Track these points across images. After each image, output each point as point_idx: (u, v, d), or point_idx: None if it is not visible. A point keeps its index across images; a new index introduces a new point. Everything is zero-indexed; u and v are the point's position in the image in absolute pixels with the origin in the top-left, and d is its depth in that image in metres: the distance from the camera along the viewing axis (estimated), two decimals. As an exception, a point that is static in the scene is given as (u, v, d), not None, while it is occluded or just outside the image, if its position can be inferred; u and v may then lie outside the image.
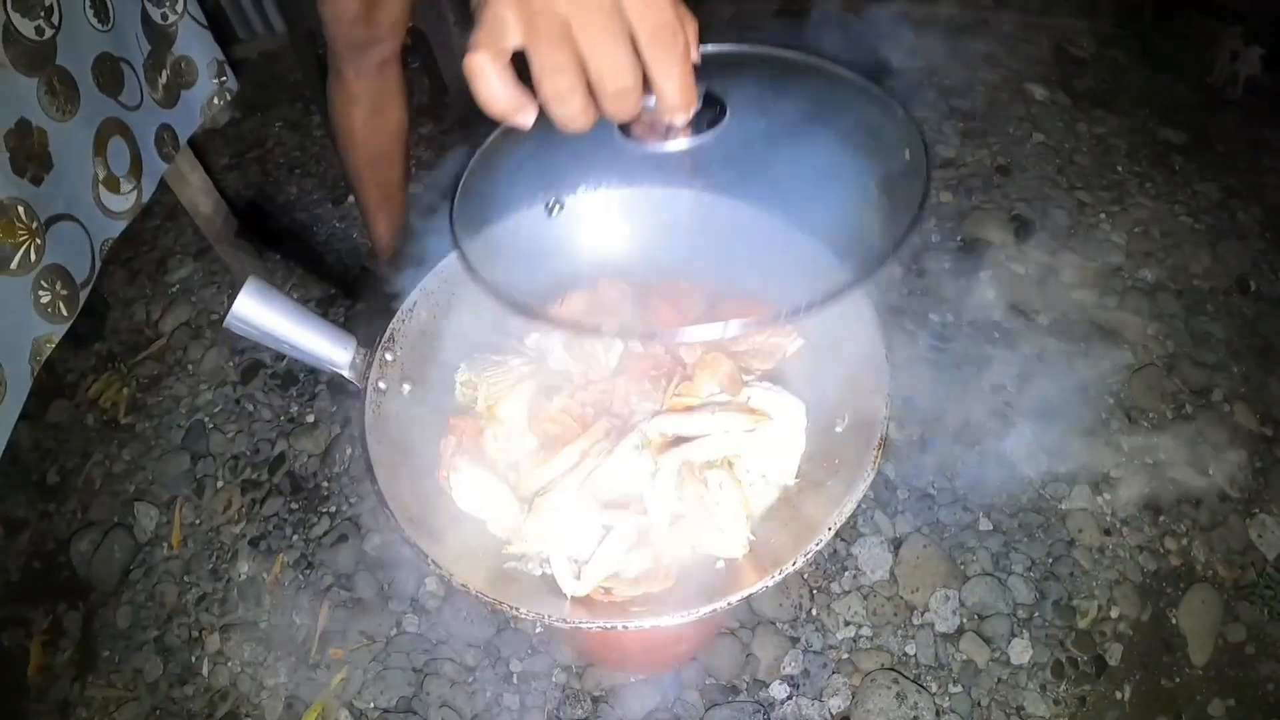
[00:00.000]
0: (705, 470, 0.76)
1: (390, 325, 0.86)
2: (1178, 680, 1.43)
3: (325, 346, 0.78)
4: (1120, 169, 2.18)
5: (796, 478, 0.80)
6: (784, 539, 0.74)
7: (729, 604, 0.64)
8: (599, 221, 0.93)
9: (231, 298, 0.72)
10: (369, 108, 1.52)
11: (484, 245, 0.91)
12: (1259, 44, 2.26)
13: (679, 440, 0.76)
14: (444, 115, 2.43)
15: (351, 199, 2.21)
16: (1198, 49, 2.42)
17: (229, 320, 0.72)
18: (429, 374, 0.88)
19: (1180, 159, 2.22)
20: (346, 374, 0.80)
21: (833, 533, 0.67)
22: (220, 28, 1.70)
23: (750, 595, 0.64)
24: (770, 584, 0.64)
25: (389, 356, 0.85)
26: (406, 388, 0.85)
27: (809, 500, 0.77)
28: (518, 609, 0.64)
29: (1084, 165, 2.19)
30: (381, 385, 0.82)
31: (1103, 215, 2.07)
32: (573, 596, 0.70)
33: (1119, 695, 1.42)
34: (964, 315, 1.86)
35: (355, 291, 2.01)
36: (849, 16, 2.37)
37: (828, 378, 0.84)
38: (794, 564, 0.66)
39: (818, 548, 0.67)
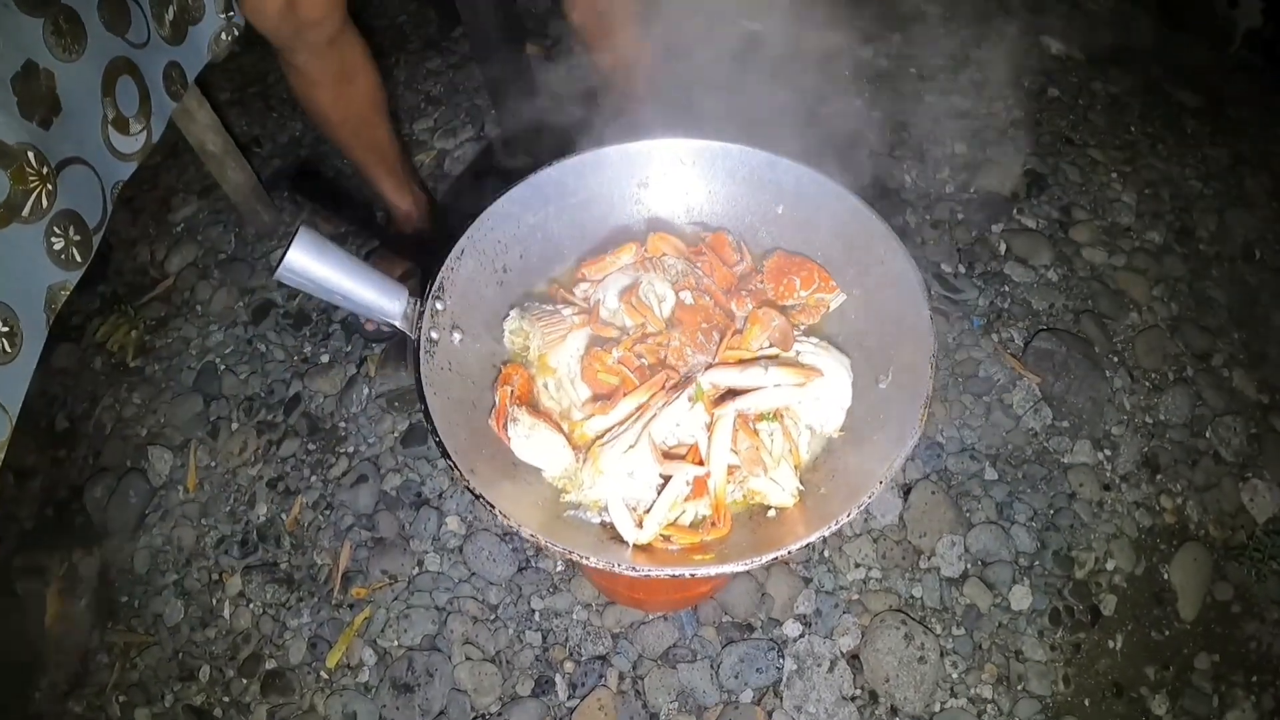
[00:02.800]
0: (757, 422, 0.78)
1: (439, 274, 0.86)
2: (1167, 633, 1.50)
3: (377, 297, 0.79)
4: (1133, 129, 2.18)
5: (841, 430, 0.82)
6: (831, 488, 0.76)
7: (789, 552, 0.66)
8: (654, 174, 0.93)
9: (282, 248, 0.71)
10: (332, 85, 1.44)
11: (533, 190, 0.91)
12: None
13: (731, 393, 0.78)
14: (453, 48, 2.37)
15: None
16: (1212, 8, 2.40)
17: (280, 272, 0.72)
18: (477, 322, 0.89)
19: (1193, 122, 2.22)
20: (398, 324, 0.81)
21: (883, 486, 0.70)
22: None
23: (809, 544, 0.67)
24: (827, 533, 0.67)
25: (439, 305, 0.85)
26: (457, 336, 0.86)
27: (853, 452, 0.80)
28: (588, 558, 0.66)
29: (1097, 123, 2.19)
30: (434, 335, 0.83)
31: (1114, 174, 2.08)
32: (635, 544, 0.73)
33: (1111, 644, 1.49)
34: (975, 268, 1.88)
35: (370, 227, 1.98)
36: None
37: (870, 335, 0.86)
38: (848, 515, 0.69)
39: (870, 500, 0.69)
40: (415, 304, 0.82)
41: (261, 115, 2.28)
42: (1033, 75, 2.28)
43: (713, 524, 0.74)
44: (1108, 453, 1.66)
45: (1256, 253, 1.96)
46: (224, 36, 1.66)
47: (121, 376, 1.86)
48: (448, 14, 2.40)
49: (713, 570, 0.66)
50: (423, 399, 0.76)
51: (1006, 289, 1.86)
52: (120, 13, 1.36)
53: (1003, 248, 1.92)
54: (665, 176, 0.94)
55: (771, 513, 0.77)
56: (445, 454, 0.72)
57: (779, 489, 0.75)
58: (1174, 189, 2.05)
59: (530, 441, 0.78)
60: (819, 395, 0.79)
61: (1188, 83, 2.29)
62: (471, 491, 0.70)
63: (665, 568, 0.67)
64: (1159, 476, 1.64)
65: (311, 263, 0.72)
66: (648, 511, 0.74)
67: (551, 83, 1.90)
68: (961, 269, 1.89)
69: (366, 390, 1.76)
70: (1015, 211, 1.99)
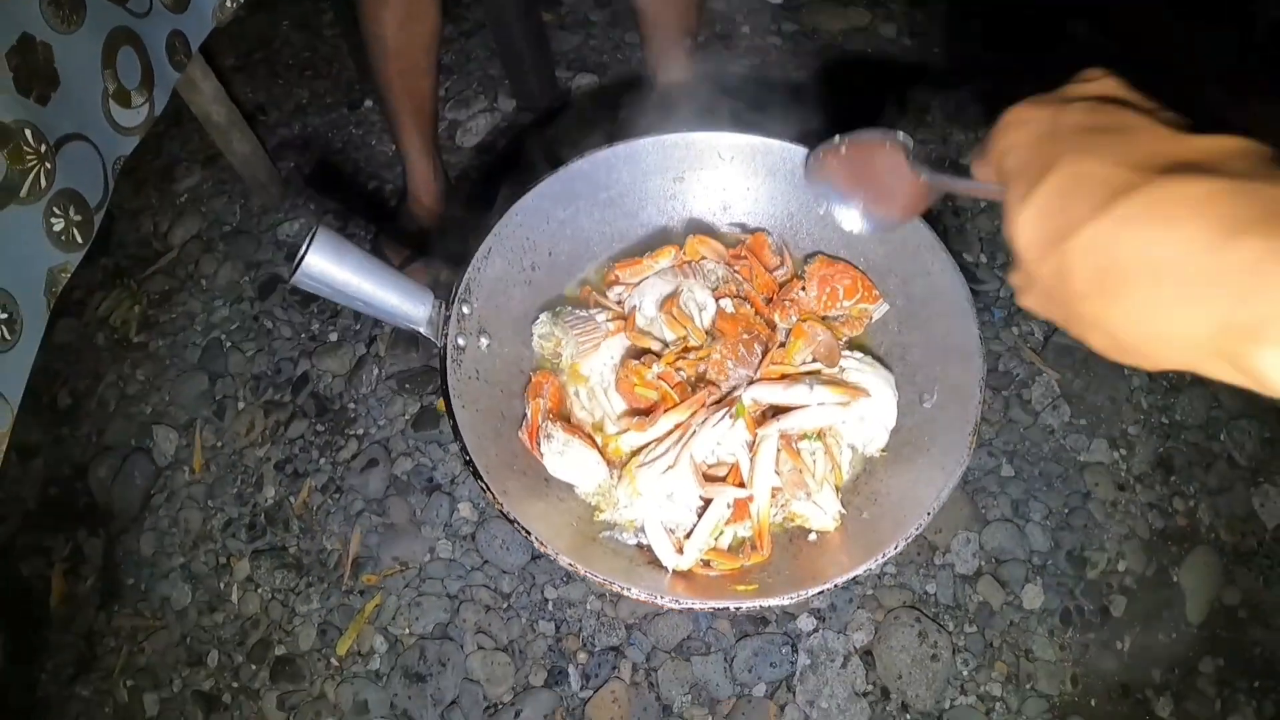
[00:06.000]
0: (799, 441, 0.75)
1: (465, 275, 0.82)
2: (1174, 636, 1.50)
3: (401, 302, 0.74)
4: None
5: (884, 450, 0.80)
6: (875, 513, 0.74)
7: (836, 585, 0.64)
8: (690, 170, 0.89)
9: (298, 250, 0.66)
10: (402, 13, 1.44)
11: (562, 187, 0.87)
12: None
13: (774, 411, 0.75)
14: (465, 15, 2.29)
15: (369, 103, 2.10)
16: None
17: (297, 277, 0.67)
18: (505, 325, 0.86)
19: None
20: (424, 331, 0.77)
21: (930, 518, 0.68)
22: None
23: (857, 576, 0.65)
24: (874, 567, 0.65)
25: (465, 310, 0.81)
26: (484, 341, 0.83)
27: (896, 474, 0.77)
28: (628, 589, 0.64)
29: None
30: (460, 342, 0.79)
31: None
32: (674, 570, 0.71)
33: (1119, 645, 1.48)
34: (996, 258, 1.85)
35: (377, 205, 1.93)
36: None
37: (914, 349, 0.83)
38: (895, 547, 0.67)
39: (917, 531, 0.67)
40: (441, 308, 0.79)
41: (267, 82, 2.20)
42: (1052, 67, 2.22)
43: (753, 548, 0.72)
44: (1123, 452, 1.64)
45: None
46: (229, 4, 1.59)
47: (125, 352, 1.81)
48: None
49: (756, 603, 0.65)
50: (451, 415, 0.73)
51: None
52: (120, -19, 1.30)
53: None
54: (701, 172, 0.90)
55: (812, 536, 0.75)
56: (477, 475, 0.69)
57: (821, 512, 0.73)
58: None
59: (564, 459, 0.75)
60: (863, 415, 0.76)
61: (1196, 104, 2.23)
62: (505, 516, 0.67)
63: (709, 600, 0.65)
64: (1173, 478, 1.63)
65: (330, 266, 0.68)
66: (688, 536, 0.72)
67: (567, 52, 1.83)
68: (984, 258, 1.85)
69: (376, 370, 1.72)
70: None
